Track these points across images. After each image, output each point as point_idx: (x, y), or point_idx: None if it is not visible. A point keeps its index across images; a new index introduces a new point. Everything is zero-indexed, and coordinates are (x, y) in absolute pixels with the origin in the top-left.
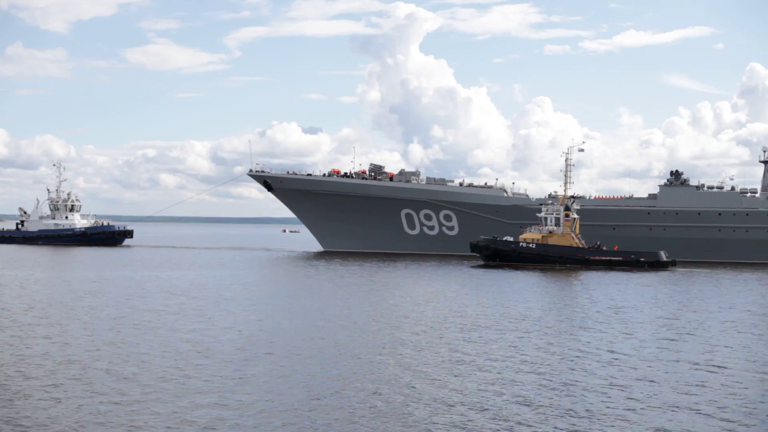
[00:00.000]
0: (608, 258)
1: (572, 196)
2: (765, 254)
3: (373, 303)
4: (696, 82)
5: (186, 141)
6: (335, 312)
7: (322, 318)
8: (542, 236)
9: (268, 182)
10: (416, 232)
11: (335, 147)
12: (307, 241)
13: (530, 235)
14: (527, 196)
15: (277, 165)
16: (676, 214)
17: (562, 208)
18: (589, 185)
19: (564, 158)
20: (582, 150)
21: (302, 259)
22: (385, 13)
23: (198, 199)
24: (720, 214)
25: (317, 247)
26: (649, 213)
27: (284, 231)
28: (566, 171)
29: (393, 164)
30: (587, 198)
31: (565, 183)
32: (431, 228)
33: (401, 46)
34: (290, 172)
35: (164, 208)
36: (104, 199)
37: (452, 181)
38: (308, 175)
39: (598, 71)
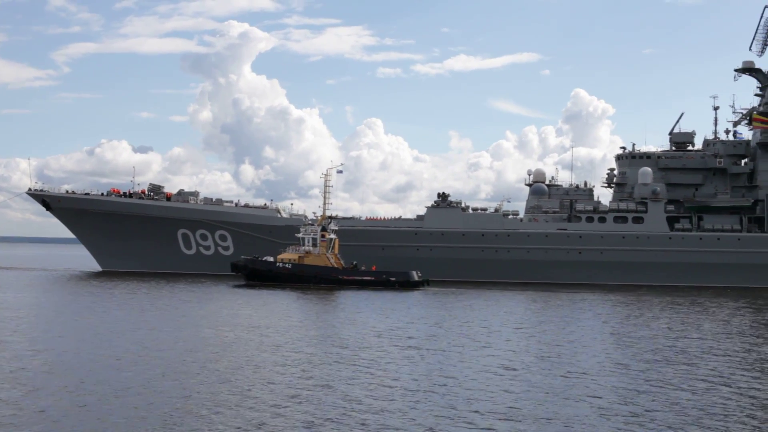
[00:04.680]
0: (360, 278)
1: (330, 217)
2: (525, 274)
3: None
4: (523, 107)
5: (11, 159)
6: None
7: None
8: (299, 256)
9: (46, 201)
10: (193, 252)
11: (166, 166)
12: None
13: (287, 255)
14: (305, 217)
15: (105, 184)
16: (442, 234)
17: (319, 229)
18: (417, 207)
19: (323, 179)
20: (341, 171)
21: (71, 280)
22: (218, 31)
23: (22, 219)
24: (483, 235)
25: (96, 267)
26: (416, 234)
27: None
28: (324, 192)
29: (224, 185)
30: (358, 219)
31: (324, 203)
32: (207, 248)
33: (234, 65)
34: (69, 191)
35: None
36: None
37: (230, 202)
38: (86, 194)
39: (429, 94)
